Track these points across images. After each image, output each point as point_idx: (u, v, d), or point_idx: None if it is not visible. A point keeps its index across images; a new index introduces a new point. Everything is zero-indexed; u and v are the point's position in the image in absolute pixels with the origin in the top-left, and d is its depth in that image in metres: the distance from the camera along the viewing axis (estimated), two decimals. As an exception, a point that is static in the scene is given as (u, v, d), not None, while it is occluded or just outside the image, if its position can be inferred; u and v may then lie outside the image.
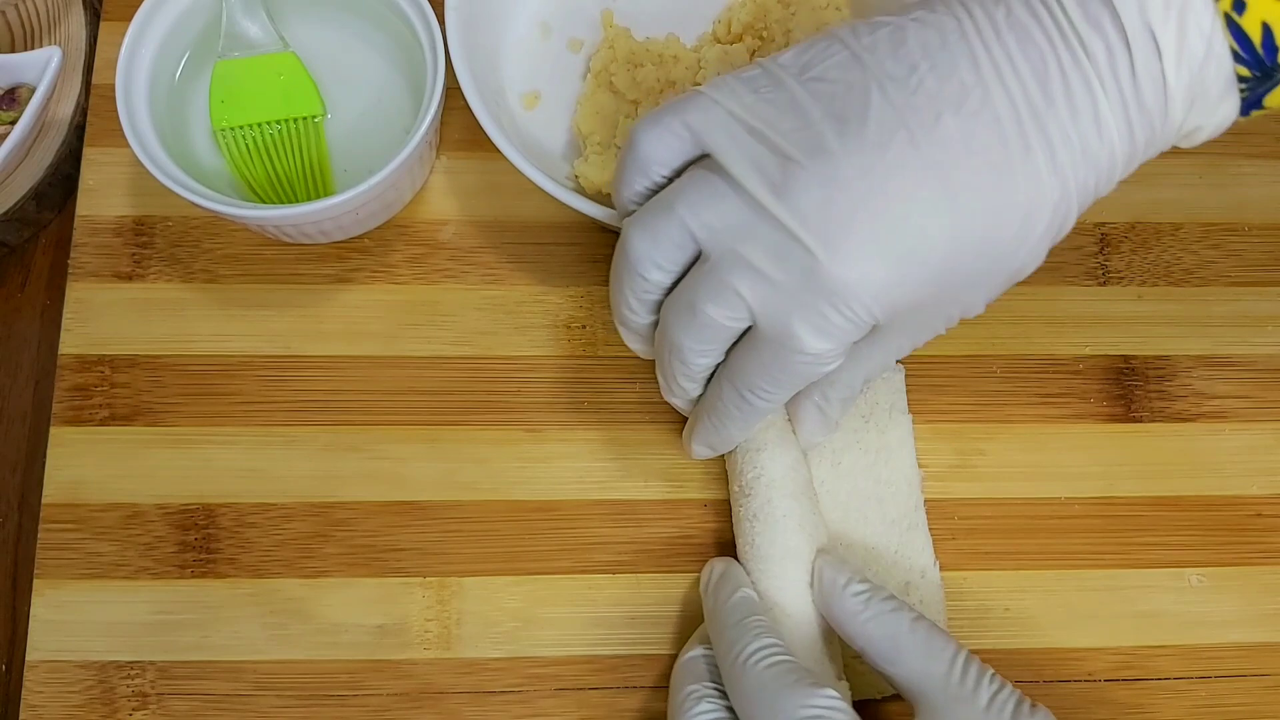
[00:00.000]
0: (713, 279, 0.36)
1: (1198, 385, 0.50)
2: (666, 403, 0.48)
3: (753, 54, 0.49)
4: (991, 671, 0.39)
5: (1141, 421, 0.49)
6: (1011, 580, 0.47)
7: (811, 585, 0.42)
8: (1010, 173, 0.34)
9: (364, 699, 0.44)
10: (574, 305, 0.49)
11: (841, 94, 0.35)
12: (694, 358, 0.39)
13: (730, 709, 0.39)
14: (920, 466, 0.48)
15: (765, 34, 0.49)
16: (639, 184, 0.39)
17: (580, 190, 0.47)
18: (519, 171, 0.45)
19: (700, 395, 0.42)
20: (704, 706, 0.39)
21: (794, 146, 0.35)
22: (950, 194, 0.34)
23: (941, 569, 0.46)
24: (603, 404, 0.48)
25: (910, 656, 0.39)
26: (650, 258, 0.38)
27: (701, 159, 0.37)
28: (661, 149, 0.38)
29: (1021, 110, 0.34)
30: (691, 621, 0.46)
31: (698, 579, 0.46)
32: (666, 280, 0.38)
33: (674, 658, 0.45)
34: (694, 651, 0.42)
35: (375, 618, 0.45)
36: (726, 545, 0.46)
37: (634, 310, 0.40)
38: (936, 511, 0.47)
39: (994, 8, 0.35)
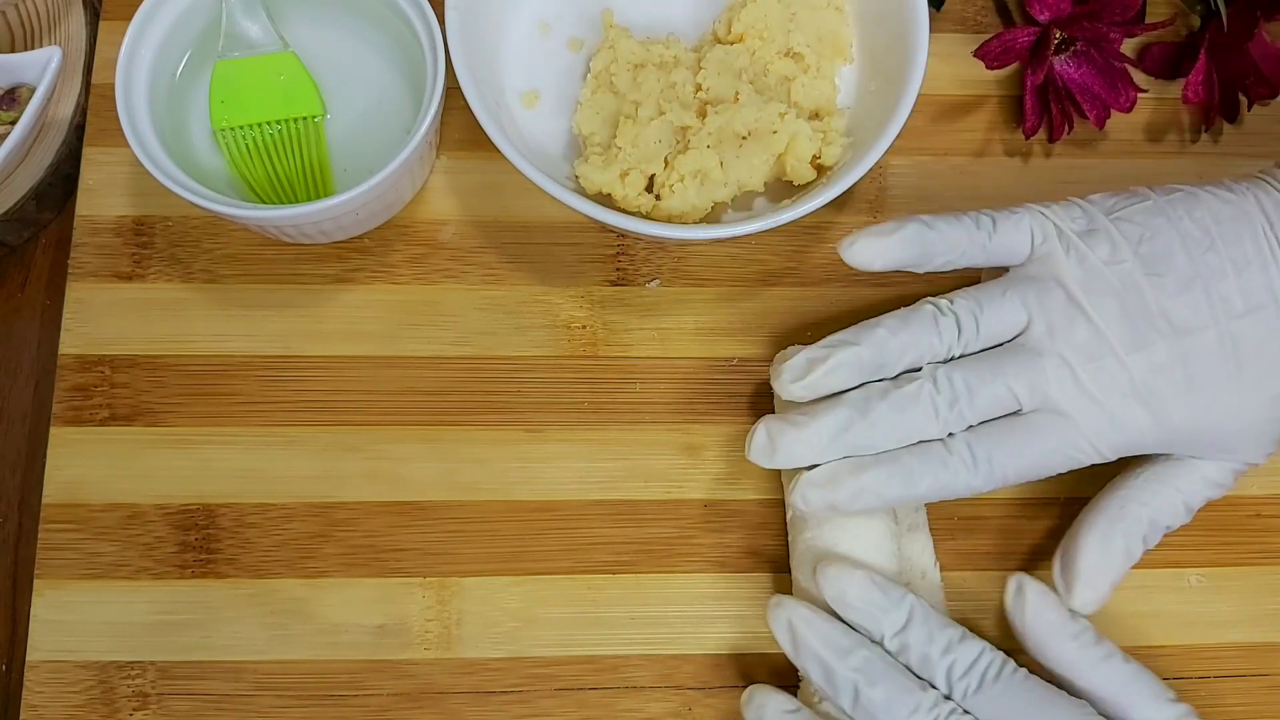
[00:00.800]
0: (1023, 359, 0.42)
1: (1198, 385, 0.50)
2: (665, 403, 0.48)
3: (753, 54, 0.49)
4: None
5: (1141, 421, 0.49)
6: (1011, 580, 0.47)
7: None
8: (1268, 358, 0.42)
9: (364, 699, 0.44)
10: (574, 305, 0.49)
11: (1147, 238, 0.42)
12: (962, 415, 0.41)
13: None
14: (920, 466, 0.47)
15: (765, 34, 0.49)
16: (931, 263, 0.43)
17: (580, 190, 0.47)
18: (519, 171, 0.45)
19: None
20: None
21: (1111, 273, 0.42)
22: (1238, 352, 0.41)
23: (941, 569, 0.46)
24: (603, 404, 0.48)
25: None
26: (969, 319, 0.42)
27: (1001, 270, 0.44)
28: (1015, 241, 0.43)
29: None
30: (692, 621, 0.46)
31: (700, 579, 0.46)
32: (973, 347, 0.42)
33: (674, 658, 0.45)
34: (871, 650, 0.40)
35: (375, 618, 0.45)
36: (725, 546, 0.47)
37: (895, 359, 0.42)
38: (936, 511, 0.47)
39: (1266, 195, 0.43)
